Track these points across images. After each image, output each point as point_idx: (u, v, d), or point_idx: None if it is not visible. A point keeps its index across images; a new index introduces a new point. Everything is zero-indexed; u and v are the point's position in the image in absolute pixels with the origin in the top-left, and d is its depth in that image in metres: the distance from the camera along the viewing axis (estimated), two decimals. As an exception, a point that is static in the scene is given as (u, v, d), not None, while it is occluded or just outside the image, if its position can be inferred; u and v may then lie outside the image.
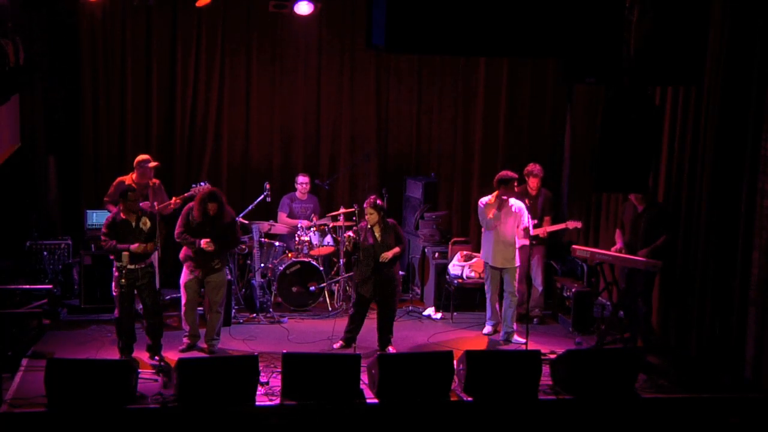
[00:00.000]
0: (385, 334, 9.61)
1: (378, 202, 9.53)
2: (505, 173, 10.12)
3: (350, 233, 9.63)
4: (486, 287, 10.27)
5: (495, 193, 10.04)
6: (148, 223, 9.05)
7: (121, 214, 9.04)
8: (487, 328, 10.30)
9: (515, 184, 10.09)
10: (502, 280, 10.14)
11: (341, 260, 11.28)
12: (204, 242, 9.25)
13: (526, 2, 6.96)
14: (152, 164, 10.50)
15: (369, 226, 9.52)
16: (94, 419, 7.88)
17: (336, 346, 9.63)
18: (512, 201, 10.06)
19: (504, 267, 10.07)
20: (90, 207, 11.32)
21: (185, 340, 9.55)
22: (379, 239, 9.49)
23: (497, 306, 10.25)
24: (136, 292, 9.08)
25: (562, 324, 10.84)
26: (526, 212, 10.02)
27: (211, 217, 9.33)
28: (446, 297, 11.05)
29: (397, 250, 9.51)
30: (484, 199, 10.18)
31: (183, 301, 9.53)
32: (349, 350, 9.40)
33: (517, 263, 10.09)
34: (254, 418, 8.10)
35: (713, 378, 9.10)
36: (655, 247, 9.70)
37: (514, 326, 10.07)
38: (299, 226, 11.19)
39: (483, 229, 10.25)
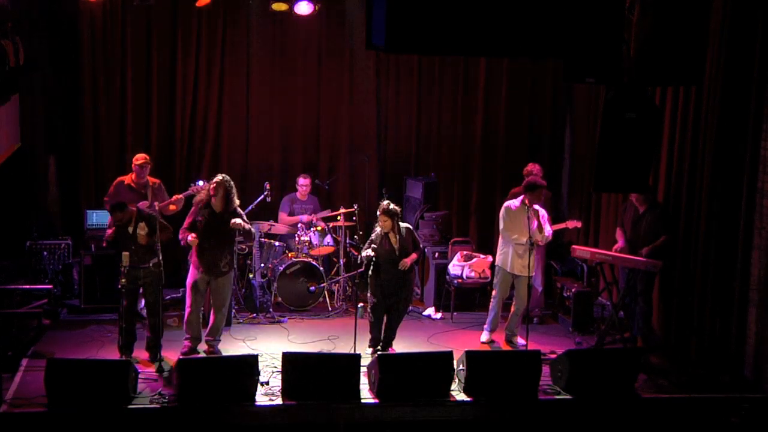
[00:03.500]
0: (390, 334, 9.61)
1: (391, 207, 9.37)
2: (534, 179, 9.88)
3: (370, 253, 9.32)
4: (494, 292, 10.00)
5: (521, 199, 9.77)
6: (146, 228, 9.01)
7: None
8: (485, 336, 10.05)
9: (542, 192, 9.79)
10: (511, 287, 9.97)
11: (341, 260, 11.28)
12: (191, 237, 9.21)
13: (526, 2, 6.96)
14: (139, 161, 10.37)
15: (383, 233, 9.42)
16: (94, 419, 7.88)
17: (369, 352, 9.45)
18: (536, 207, 9.71)
19: (520, 274, 9.81)
20: (90, 207, 11.33)
21: (186, 343, 9.42)
22: (396, 245, 9.36)
23: (500, 313, 10.00)
24: (141, 290, 9.09)
25: (562, 324, 10.84)
26: (547, 219, 9.85)
27: (218, 214, 9.30)
28: (446, 297, 11.04)
29: (414, 256, 9.42)
30: (510, 203, 9.83)
31: (188, 302, 9.39)
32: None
33: (530, 273, 9.73)
34: (254, 418, 8.11)
35: (713, 378, 9.10)
36: (654, 247, 9.71)
37: (517, 330, 9.97)
38: (300, 222, 11.20)
39: (502, 235, 9.90)
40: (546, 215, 9.86)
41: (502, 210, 9.88)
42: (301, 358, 8.45)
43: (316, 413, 8.16)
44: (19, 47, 9.77)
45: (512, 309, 10.01)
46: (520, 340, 9.86)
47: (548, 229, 9.83)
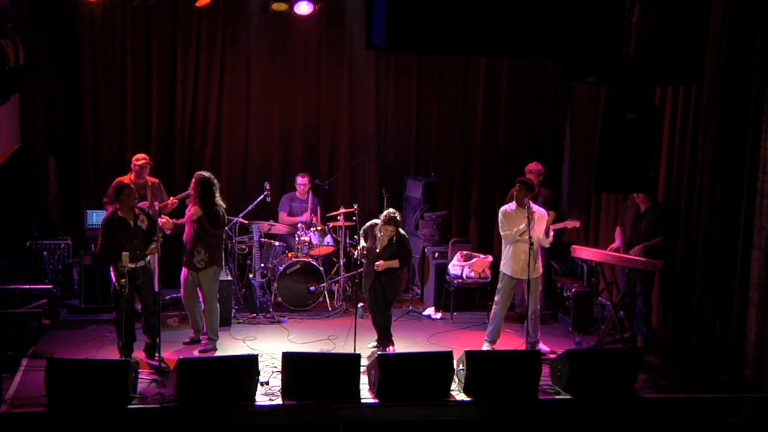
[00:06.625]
0: (380, 332, 9.60)
1: (397, 217, 9.35)
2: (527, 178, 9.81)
3: (365, 248, 9.39)
4: (496, 298, 9.71)
5: (514, 202, 9.55)
6: (146, 221, 9.05)
7: (119, 212, 9.02)
8: (486, 347, 9.73)
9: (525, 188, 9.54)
10: (514, 293, 9.86)
11: (341, 260, 11.28)
12: (161, 221, 9.32)
13: (526, 2, 6.97)
14: (140, 162, 10.42)
15: (380, 235, 9.38)
16: (93, 419, 7.88)
17: (371, 346, 9.59)
18: (534, 207, 9.47)
19: (522, 278, 9.48)
20: (90, 207, 11.33)
21: (191, 334, 9.77)
22: (378, 249, 9.38)
23: (502, 324, 9.74)
24: (135, 291, 9.09)
25: (562, 324, 10.84)
26: (547, 217, 9.63)
27: (194, 208, 9.42)
28: (446, 297, 11.04)
29: (395, 262, 9.36)
30: (505, 207, 9.64)
31: (182, 298, 9.72)
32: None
33: (540, 272, 9.60)
34: (254, 418, 8.11)
35: (713, 378, 9.10)
36: (650, 246, 9.69)
37: (538, 335, 9.66)
38: (300, 222, 11.21)
39: (504, 238, 9.63)
40: (546, 215, 9.65)
41: (499, 215, 9.64)
42: (301, 358, 8.44)
43: (316, 413, 8.16)
44: (19, 47, 9.76)
45: (528, 315, 9.58)
46: (544, 347, 9.66)
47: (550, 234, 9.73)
